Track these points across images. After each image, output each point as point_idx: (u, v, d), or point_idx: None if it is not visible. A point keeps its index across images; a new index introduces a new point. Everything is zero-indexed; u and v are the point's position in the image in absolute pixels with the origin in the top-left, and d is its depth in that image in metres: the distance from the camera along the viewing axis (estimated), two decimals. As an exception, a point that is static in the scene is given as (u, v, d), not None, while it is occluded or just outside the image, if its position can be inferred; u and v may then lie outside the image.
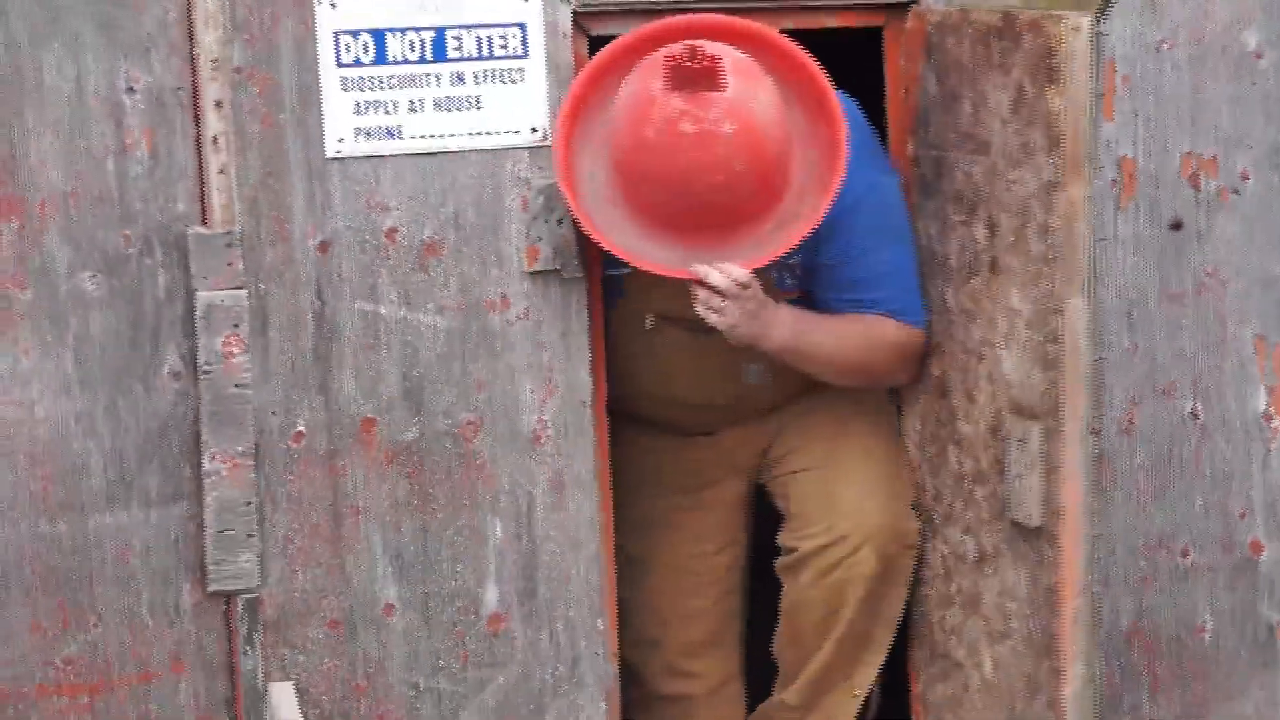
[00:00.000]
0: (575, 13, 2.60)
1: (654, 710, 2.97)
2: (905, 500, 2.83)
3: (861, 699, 2.88)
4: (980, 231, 2.68)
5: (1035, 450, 2.57)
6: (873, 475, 2.83)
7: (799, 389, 2.88)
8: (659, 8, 2.65)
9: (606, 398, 2.75)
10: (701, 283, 2.50)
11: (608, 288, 2.76)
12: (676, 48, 2.36)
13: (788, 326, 2.62)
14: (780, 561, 2.87)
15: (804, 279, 2.77)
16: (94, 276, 2.47)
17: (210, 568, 2.52)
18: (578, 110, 2.54)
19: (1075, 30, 2.48)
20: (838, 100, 2.53)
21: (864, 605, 2.79)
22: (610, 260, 2.64)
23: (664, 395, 2.87)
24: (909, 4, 2.76)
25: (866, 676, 2.86)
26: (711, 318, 2.53)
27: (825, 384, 2.84)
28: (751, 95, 2.41)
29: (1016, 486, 2.60)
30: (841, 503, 2.79)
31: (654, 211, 2.51)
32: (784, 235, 2.50)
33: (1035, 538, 2.61)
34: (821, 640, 2.82)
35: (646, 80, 2.42)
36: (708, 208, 2.48)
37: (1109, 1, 2.62)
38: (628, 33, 2.56)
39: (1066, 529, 2.56)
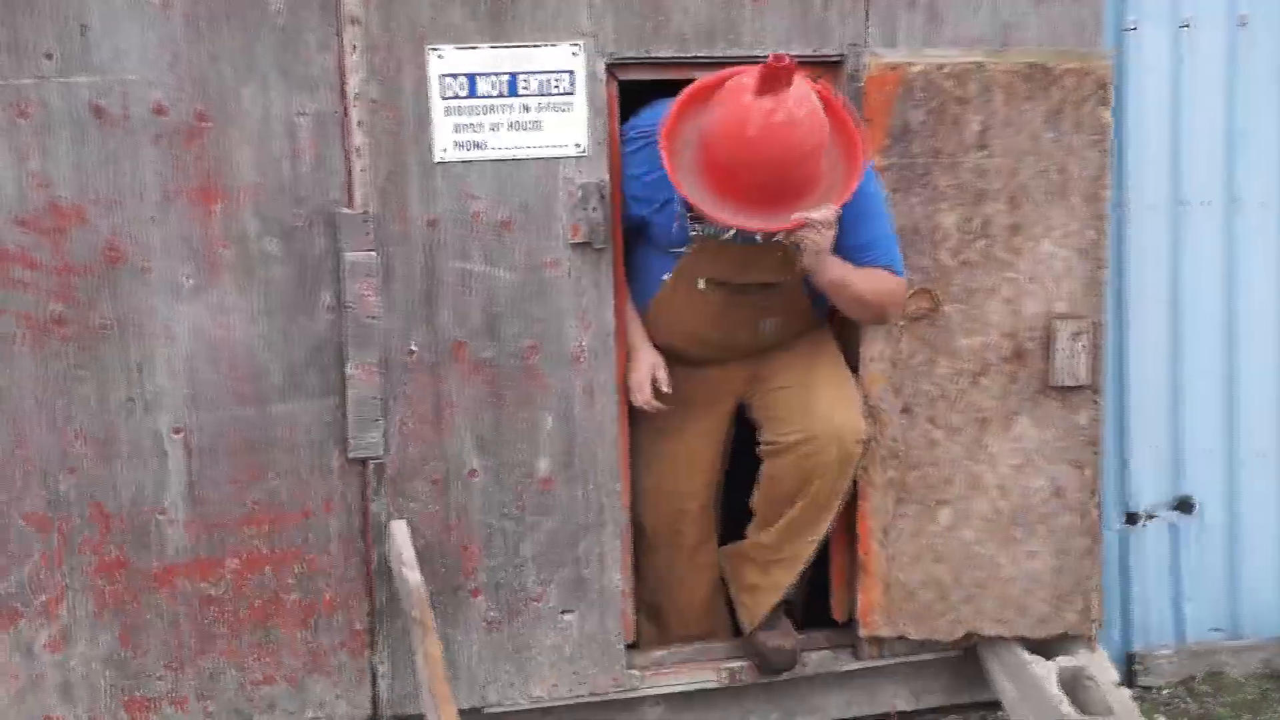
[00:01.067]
0: (608, 64, 3.58)
1: (654, 555, 3.88)
2: (858, 410, 3.70)
3: (817, 544, 3.74)
4: (997, 207, 3.68)
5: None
6: (835, 393, 3.70)
7: (791, 338, 3.74)
8: (666, 61, 3.61)
9: (653, 336, 3.66)
10: (803, 225, 3.29)
11: (662, 258, 3.59)
12: (767, 62, 3.13)
13: (838, 266, 3.47)
14: (764, 449, 3.74)
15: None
16: (275, 241, 3.45)
17: (350, 441, 3.51)
18: (674, 132, 3.33)
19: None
20: (852, 112, 3.41)
21: (826, 480, 3.66)
22: (675, 240, 3.52)
23: (701, 336, 3.65)
24: (839, 62, 3.69)
25: (822, 530, 3.73)
26: (812, 243, 3.32)
27: (801, 333, 3.72)
28: (806, 90, 3.25)
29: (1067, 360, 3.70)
30: (814, 411, 3.66)
31: (746, 192, 3.24)
32: (836, 193, 3.34)
33: (1073, 394, 3.72)
34: (793, 500, 3.69)
35: (736, 98, 3.18)
36: (790, 180, 3.23)
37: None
38: (689, 86, 3.39)
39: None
